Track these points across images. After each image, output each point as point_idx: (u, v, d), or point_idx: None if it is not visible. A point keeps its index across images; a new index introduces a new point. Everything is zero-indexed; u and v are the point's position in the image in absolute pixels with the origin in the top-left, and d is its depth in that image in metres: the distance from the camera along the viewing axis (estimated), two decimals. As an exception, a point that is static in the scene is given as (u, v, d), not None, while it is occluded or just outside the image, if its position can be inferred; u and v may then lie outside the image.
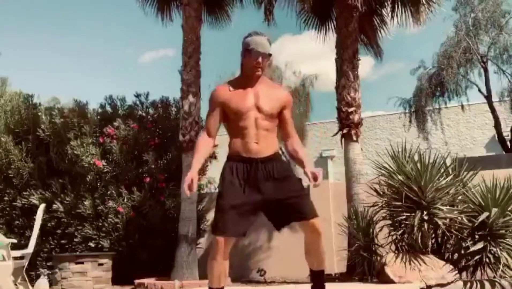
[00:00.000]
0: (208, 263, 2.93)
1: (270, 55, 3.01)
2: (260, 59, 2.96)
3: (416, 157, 5.86)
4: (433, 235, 5.71)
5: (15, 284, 5.37)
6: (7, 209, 8.08)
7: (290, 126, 3.16)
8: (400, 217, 5.62)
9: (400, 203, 5.61)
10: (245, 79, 3.06)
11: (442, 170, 5.79)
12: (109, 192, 7.66)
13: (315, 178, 2.92)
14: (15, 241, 5.81)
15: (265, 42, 2.99)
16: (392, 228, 5.86)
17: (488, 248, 5.35)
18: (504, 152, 14.95)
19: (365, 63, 25.46)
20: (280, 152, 3.09)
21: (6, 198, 8.11)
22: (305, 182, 3.12)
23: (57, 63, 37.32)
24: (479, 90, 15.77)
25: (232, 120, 3.03)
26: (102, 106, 8.61)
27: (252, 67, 2.99)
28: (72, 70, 36.11)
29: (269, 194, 2.92)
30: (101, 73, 37.94)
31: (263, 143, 2.96)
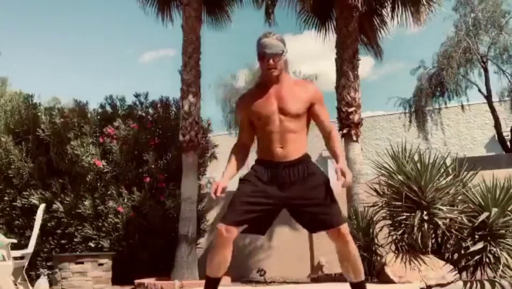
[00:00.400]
0: (209, 253, 2.92)
1: (281, 53, 2.90)
2: (271, 61, 2.88)
3: (416, 157, 5.86)
4: (433, 235, 5.72)
5: (15, 284, 5.37)
6: (7, 209, 8.08)
7: (326, 120, 3.03)
8: (400, 217, 5.63)
9: (400, 203, 5.61)
10: (266, 82, 3.00)
11: (442, 170, 5.79)
12: (109, 192, 7.66)
13: (343, 174, 2.77)
14: (15, 241, 5.82)
15: (274, 42, 2.90)
16: (392, 228, 5.86)
17: (488, 248, 5.35)
18: (504, 152, 14.95)
19: (365, 63, 25.49)
20: (308, 154, 2.99)
21: (6, 198, 8.10)
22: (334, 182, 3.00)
23: (57, 63, 37.34)
24: (479, 90, 15.77)
25: (257, 125, 2.98)
26: (102, 106, 8.62)
27: (266, 69, 2.93)
28: (72, 70, 36.12)
29: (292, 198, 2.86)
30: (102, 73, 37.95)
31: (289, 147, 2.89)
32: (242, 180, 2.95)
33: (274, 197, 2.87)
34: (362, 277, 3.00)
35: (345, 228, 2.89)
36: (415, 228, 5.39)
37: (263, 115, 2.92)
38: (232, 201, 2.89)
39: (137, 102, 8.66)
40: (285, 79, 2.99)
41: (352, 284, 3.01)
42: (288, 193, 2.86)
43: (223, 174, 2.96)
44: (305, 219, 2.93)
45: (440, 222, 5.45)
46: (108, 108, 8.62)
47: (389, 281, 5.19)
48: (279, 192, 2.87)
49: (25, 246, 5.69)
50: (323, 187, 2.88)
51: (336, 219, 2.87)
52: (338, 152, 2.95)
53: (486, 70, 15.44)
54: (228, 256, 2.88)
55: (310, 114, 3.00)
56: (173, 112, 8.57)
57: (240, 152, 3.06)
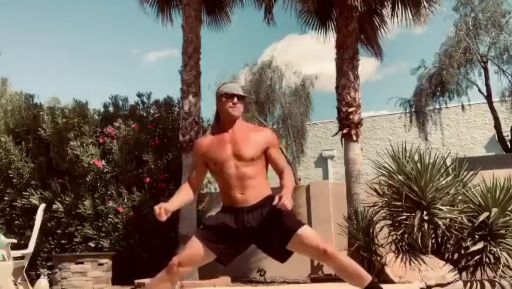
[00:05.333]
0: (155, 277, 2.93)
1: (243, 97, 3.05)
2: (235, 99, 2.99)
3: (416, 157, 5.87)
4: (433, 235, 5.72)
5: (15, 284, 5.37)
6: (7, 209, 8.09)
7: (280, 163, 3.09)
8: (400, 217, 5.63)
9: (400, 203, 5.62)
10: (223, 126, 3.05)
11: (442, 170, 5.80)
12: (109, 192, 7.66)
13: (279, 199, 2.75)
14: (15, 241, 5.82)
15: (238, 86, 3.09)
16: (392, 228, 5.86)
17: (488, 248, 5.35)
18: (504, 152, 14.94)
19: (370, 63, 25.39)
20: (270, 196, 2.97)
21: (6, 198, 8.11)
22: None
23: (60, 64, 37.18)
24: (479, 90, 15.75)
25: (215, 171, 3.01)
26: (106, 106, 8.64)
27: (227, 108, 3.00)
28: (75, 70, 35.91)
29: (254, 233, 2.89)
30: (106, 73, 37.73)
31: (248, 193, 2.91)
32: (204, 224, 3.02)
33: (237, 236, 2.90)
34: (369, 277, 2.94)
35: (308, 230, 2.86)
36: (415, 228, 5.40)
37: (219, 160, 2.95)
38: (193, 240, 2.93)
39: (140, 102, 8.68)
40: (240, 125, 3.06)
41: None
42: (250, 232, 2.88)
43: (171, 199, 3.01)
44: (270, 243, 2.93)
45: (440, 222, 5.45)
46: (110, 108, 8.64)
47: (389, 281, 5.19)
48: (242, 232, 2.89)
49: (25, 246, 5.70)
50: (278, 211, 2.85)
51: (294, 224, 2.86)
52: (287, 184, 2.91)
53: (486, 70, 15.42)
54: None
55: (266, 157, 3.04)
56: (175, 112, 8.58)
57: (188, 190, 3.09)
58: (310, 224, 7.95)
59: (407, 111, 16.80)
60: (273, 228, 2.87)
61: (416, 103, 16.48)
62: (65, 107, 8.85)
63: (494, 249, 5.36)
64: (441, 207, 5.49)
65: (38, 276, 7.01)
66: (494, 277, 5.35)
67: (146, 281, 6.59)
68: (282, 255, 2.96)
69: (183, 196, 3.07)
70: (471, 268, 5.55)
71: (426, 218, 5.46)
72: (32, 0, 32.37)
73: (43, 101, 9.04)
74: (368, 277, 2.92)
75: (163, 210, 2.85)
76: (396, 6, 8.16)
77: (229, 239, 2.89)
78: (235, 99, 3.00)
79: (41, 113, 8.30)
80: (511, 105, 15.86)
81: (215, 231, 2.90)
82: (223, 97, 3.02)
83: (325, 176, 18.87)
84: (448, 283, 5.14)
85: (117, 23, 34.94)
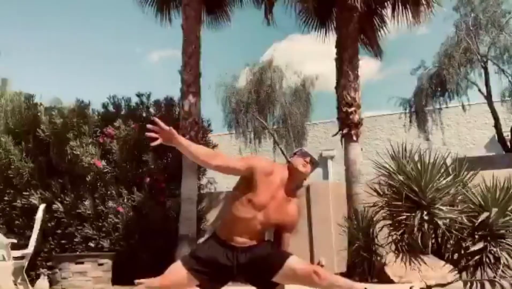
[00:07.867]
0: None
1: (315, 166, 3.05)
2: (308, 159, 3.00)
3: (416, 157, 5.87)
4: (433, 235, 5.72)
5: (15, 284, 5.37)
6: (7, 209, 8.08)
7: (288, 245, 3.11)
8: (400, 217, 5.63)
9: (400, 203, 5.62)
10: (285, 178, 2.99)
11: (442, 170, 5.80)
12: (109, 192, 7.66)
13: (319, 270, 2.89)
14: (15, 241, 5.81)
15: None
16: (392, 228, 5.86)
17: (488, 248, 5.35)
18: (504, 152, 14.94)
19: (371, 63, 25.35)
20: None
21: (6, 198, 8.10)
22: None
23: (62, 64, 37.09)
24: (479, 90, 15.75)
25: (240, 195, 2.92)
26: (105, 106, 8.63)
27: (299, 163, 2.98)
28: (77, 70, 35.78)
29: (242, 273, 2.92)
30: (108, 72, 37.63)
31: (249, 238, 2.92)
32: (194, 254, 3.00)
33: (226, 271, 2.90)
34: (362, 285, 2.97)
35: (294, 259, 2.90)
36: (415, 228, 5.40)
37: (259, 198, 2.89)
38: (175, 266, 2.96)
39: (139, 102, 8.67)
40: (291, 188, 3.02)
41: None
42: (241, 269, 2.90)
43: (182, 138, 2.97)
44: (258, 278, 2.95)
45: (440, 222, 5.45)
46: (110, 108, 8.63)
47: (389, 281, 5.20)
48: (233, 269, 2.90)
49: (25, 246, 5.69)
50: (268, 251, 2.93)
51: (280, 257, 2.90)
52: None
53: (486, 70, 15.42)
54: None
55: (280, 233, 3.04)
56: (175, 112, 8.57)
57: (206, 152, 3.00)
58: (310, 224, 7.95)
59: (407, 111, 16.80)
60: (261, 263, 2.89)
61: (416, 103, 16.48)
62: (63, 108, 8.83)
63: (494, 249, 5.37)
64: (441, 207, 5.49)
65: (38, 276, 7.00)
66: (494, 277, 5.35)
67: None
68: (269, 287, 2.98)
69: (191, 148, 2.99)
70: (471, 268, 5.54)
71: (426, 218, 5.46)
72: (35, 2, 32.31)
73: (46, 102, 9.02)
74: (361, 286, 2.96)
75: (160, 130, 2.88)
76: (396, 7, 8.17)
77: (217, 273, 2.90)
78: (308, 159, 3.01)
79: (39, 114, 8.29)
80: (511, 105, 15.86)
81: (203, 263, 2.89)
82: (298, 154, 3.05)
83: (325, 176, 18.87)
84: (448, 283, 5.14)
85: (121, 22, 34.86)
